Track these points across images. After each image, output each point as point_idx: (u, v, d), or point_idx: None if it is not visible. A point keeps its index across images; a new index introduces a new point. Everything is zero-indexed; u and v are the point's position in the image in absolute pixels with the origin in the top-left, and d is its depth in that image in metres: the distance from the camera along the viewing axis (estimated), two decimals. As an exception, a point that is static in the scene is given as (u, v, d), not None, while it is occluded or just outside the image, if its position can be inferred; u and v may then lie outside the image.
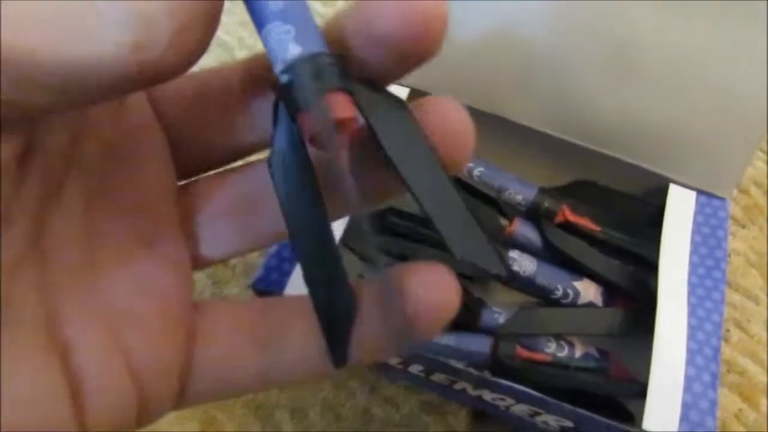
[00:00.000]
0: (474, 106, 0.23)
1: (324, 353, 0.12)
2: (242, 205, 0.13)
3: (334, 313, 0.11)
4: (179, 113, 0.13)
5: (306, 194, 0.11)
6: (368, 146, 0.11)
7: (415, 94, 0.23)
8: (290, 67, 0.10)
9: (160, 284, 0.12)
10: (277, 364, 0.12)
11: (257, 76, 0.13)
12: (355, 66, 0.11)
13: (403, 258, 0.22)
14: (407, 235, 0.23)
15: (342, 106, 0.10)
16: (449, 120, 0.11)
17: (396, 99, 0.11)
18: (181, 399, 0.12)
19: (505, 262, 0.11)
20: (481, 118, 0.23)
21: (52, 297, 0.11)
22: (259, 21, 0.10)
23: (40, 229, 0.11)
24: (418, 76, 0.23)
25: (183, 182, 0.13)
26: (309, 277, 0.11)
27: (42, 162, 0.11)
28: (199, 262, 0.13)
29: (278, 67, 0.10)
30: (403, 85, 0.23)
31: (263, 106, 0.13)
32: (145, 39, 0.09)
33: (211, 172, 0.14)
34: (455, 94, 0.23)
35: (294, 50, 0.10)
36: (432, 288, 0.11)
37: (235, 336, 0.12)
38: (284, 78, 0.10)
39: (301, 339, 0.12)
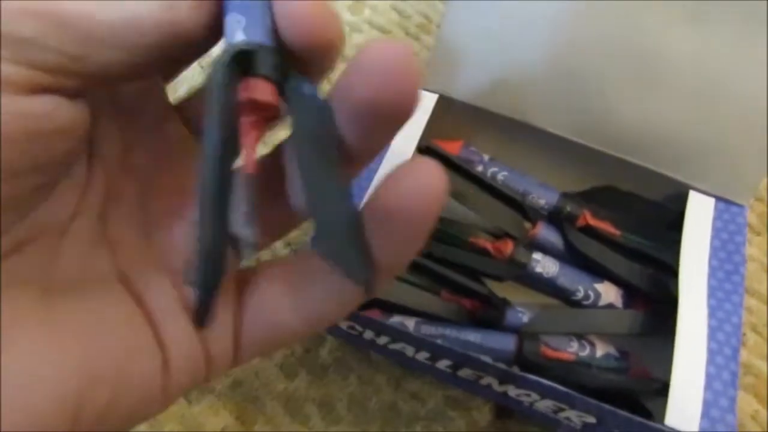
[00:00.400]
0: (500, 112, 0.24)
1: (348, 281, 0.12)
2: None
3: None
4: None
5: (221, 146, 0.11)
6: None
7: (443, 100, 0.24)
8: (228, 50, 0.11)
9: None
10: (313, 303, 0.14)
11: None
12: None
13: (429, 257, 0.23)
14: (435, 236, 0.23)
15: (258, 90, 0.11)
16: (391, 63, 0.11)
17: (321, 100, 0.12)
18: (238, 351, 0.14)
19: (369, 272, 0.11)
20: (507, 124, 0.24)
21: (125, 270, 0.13)
22: (224, 10, 0.12)
23: (105, 222, 0.13)
24: (446, 83, 0.24)
25: None
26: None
27: (102, 168, 0.13)
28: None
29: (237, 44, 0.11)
30: (430, 91, 0.24)
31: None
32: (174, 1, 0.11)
33: None
34: (483, 100, 0.24)
35: (239, 37, 0.11)
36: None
37: (274, 286, 0.14)
38: (223, 57, 0.11)
39: (328, 276, 0.13)
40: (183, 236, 0.14)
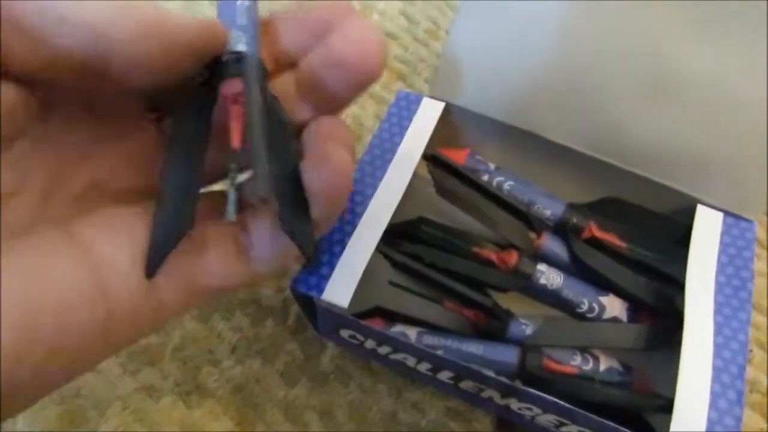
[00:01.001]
0: (508, 122, 0.24)
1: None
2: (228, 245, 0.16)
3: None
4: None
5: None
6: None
7: (450, 108, 0.24)
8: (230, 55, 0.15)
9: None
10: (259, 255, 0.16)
11: None
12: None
13: (433, 266, 0.23)
14: (439, 245, 0.23)
15: (235, 86, 0.14)
16: (357, 32, 0.15)
17: (271, 95, 0.15)
18: (190, 295, 0.15)
19: (313, 242, 0.15)
20: (514, 133, 0.24)
21: (69, 216, 0.14)
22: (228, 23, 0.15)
23: (47, 200, 0.14)
24: (454, 92, 0.24)
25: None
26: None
27: (48, 145, 0.14)
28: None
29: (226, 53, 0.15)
30: (437, 99, 0.24)
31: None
32: (114, 18, 0.12)
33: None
34: (492, 110, 0.24)
35: (240, 48, 0.15)
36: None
37: (225, 242, 0.16)
38: (227, 58, 0.15)
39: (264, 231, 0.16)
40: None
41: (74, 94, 0.14)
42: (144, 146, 0.16)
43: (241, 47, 0.15)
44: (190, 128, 0.15)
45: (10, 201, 0.13)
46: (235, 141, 0.14)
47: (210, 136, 0.15)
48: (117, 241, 0.14)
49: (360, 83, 0.16)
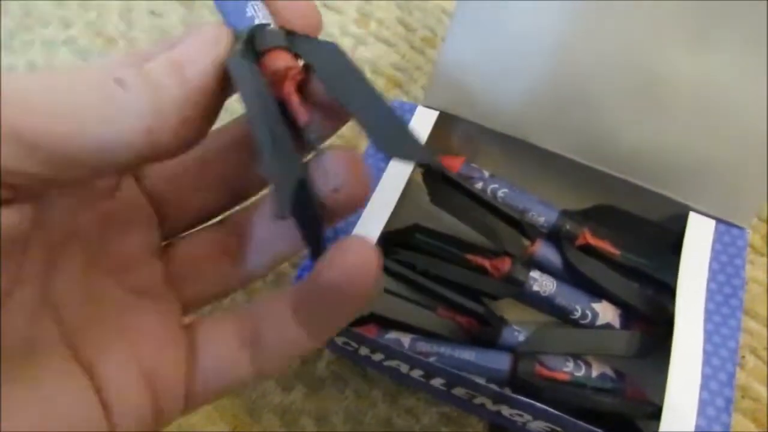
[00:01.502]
0: (501, 131, 0.24)
1: (299, 332, 0.14)
2: (217, 253, 0.16)
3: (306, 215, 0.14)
4: (161, 187, 0.16)
5: (268, 110, 0.13)
6: (314, 88, 0.14)
7: (444, 117, 0.24)
8: (253, 30, 0.13)
9: (152, 322, 0.15)
10: (263, 355, 0.15)
11: (226, 148, 0.16)
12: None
13: (426, 274, 0.23)
14: (433, 253, 0.24)
15: (277, 60, 0.13)
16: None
17: (329, 44, 0.14)
18: (191, 401, 0.15)
19: (430, 152, 0.14)
20: (508, 142, 0.24)
21: (71, 334, 0.14)
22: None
23: (47, 288, 0.13)
24: (449, 101, 0.24)
25: (169, 240, 0.16)
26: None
27: (45, 234, 0.13)
28: (189, 306, 0.16)
29: (243, 30, 0.13)
30: (433, 108, 0.24)
31: (235, 171, 0.16)
32: (156, 126, 0.11)
33: (193, 230, 0.17)
34: (485, 119, 0.24)
35: (255, 20, 0.13)
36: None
37: (225, 341, 0.15)
38: (247, 34, 0.13)
39: (277, 328, 0.15)
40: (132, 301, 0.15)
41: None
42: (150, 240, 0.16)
43: (268, 18, 0.14)
44: (257, 98, 0.13)
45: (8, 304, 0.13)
46: (303, 116, 0.14)
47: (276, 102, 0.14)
48: (122, 360, 0.14)
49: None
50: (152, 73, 0.12)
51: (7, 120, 0.10)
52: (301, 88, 0.14)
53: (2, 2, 0.32)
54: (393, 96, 0.30)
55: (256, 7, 0.14)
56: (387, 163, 0.22)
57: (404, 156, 0.13)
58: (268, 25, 0.14)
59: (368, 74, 0.31)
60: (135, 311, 0.15)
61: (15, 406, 0.12)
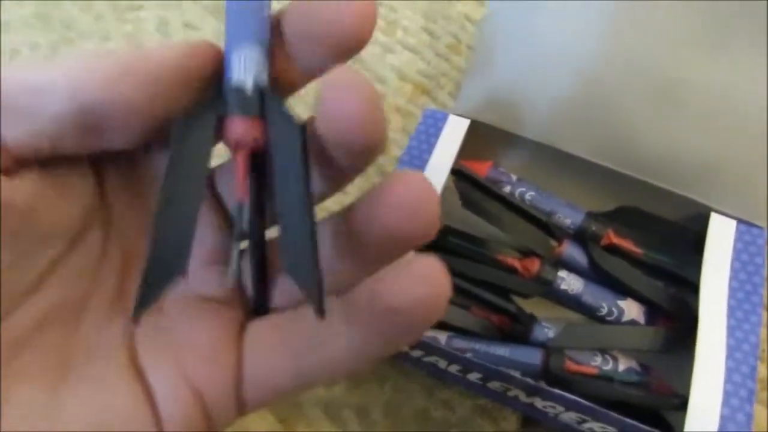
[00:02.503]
0: (529, 137, 0.25)
1: (354, 351, 0.13)
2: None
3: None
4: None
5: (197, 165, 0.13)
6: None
7: (476, 125, 0.25)
8: (248, 84, 0.13)
9: (210, 330, 0.15)
10: (313, 368, 0.14)
11: None
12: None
13: (460, 275, 0.24)
14: (465, 255, 0.25)
15: (234, 128, 0.13)
16: (412, 193, 0.13)
17: (298, 126, 0.13)
18: (241, 407, 0.15)
19: (321, 297, 0.12)
20: (535, 147, 0.25)
21: (132, 339, 0.14)
22: (239, 39, 0.13)
23: (121, 292, 0.14)
24: (478, 109, 0.25)
25: None
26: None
27: (118, 239, 0.14)
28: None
29: (238, 76, 0.13)
30: (464, 117, 0.25)
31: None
32: (81, 74, 0.12)
33: None
34: (513, 126, 0.25)
35: (260, 77, 0.13)
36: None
37: (273, 349, 0.14)
38: (245, 87, 0.13)
39: (332, 342, 0.14)
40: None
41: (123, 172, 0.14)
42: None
43: (262, 77, 0.13)
44: (189, 160, 0.13)
45: (81, 314, 0.14)
46: (239, 193, 0.13)
47: (208, 166, 0.13)
48: (171, 372, 0.14)
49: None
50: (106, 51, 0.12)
51: None
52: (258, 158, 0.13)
53: (45, 17, 0.34)
54: (421, 102, 0.31)
55: (244, 56, 0.13)
56: (423, 169, 0.24)
57: (294, 278, 0.12)
58: (247, 82, 0.13)
59: (396, 81, 0.32)
60: (195, 319, 0.15)
61: (76, 402, 0.13)
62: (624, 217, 0.26)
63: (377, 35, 0.33)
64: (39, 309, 0.13)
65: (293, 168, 0.13)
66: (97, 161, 0.14)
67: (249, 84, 0.13)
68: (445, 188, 0.24)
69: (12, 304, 0.13)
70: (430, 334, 0.23)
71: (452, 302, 0.24)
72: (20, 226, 0.12)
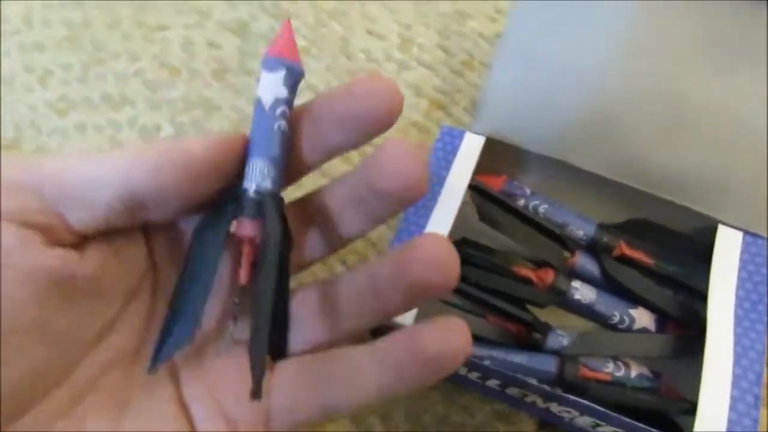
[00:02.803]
0: (543, 152, 0.26)
1: (384, 390, 0.16)
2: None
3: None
4: None
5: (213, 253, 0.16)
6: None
7: (491, 142, 0.26)
8: (256, 191, 0.16)
9: (241, 367, 0.17)
10: (340, 404, 0.16)
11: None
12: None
13: (477, 284, 0.25)
14: (481, 265, 0.26)
15: (242, 228, 0.16)
16: (435, 253, 0.15)
17: (274, 229, 0.16)
18: None
19: (260, 380, 0.15)
20: (549, 162, 0.26)
21: (176, 374, 0.17)
22: (255, 152, 0.16)
23: None
24: (494, 127, 0.26)
25: None
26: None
27: (164, 293, 0.17)
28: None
29: (250, 185, 0.16)
30: (478, 134, 0.27)
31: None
32: (133, 167, 0.14)
33: None
34: (528, 143, 0.26)
35: (263, 184, 0.16)
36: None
37: (298, 385, 0.17)
38: (251, 194, 0.16)
39: (361, 382, 0.16)
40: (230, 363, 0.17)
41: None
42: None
43: (266, 184, 0.16)
44: (207, 248, 0.16)
45: (135, 360, 0.16)
46: (243, 278, 0.16)
47: (221, 255, 0.16)
48: (209, 405, 0.16)
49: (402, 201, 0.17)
50: (149, 142, 0.15)
51: (14, 175, 0.13)
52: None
53: (75, 39, 0.35)
54: (436, 117, 0.32)
55: (254, 167, 0.16)
56: (442, 185, 0.25)
57: (249, 354, 0.15)
58: (256, 189, 0.16)
59: (412, 97, 0.33)
60: (230, 359, 0.17)
61: (134, 429, 0.15)
62: (634, 229, 0.27)
63: (393, 52, 0.35)
64: (103, 358, 0.15)
65: (271, 264, 0.15)
66: (145, 227, 0.17)
67: (253, 190, 0.16)
68: (463, 202, 0.25)
69: (81, 355, 0.15)
70: (450, 342, 0.25)
71: (469, 311, 0.25)
72: (86, 291, 0.14)
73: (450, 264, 0.15)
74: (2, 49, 0.35)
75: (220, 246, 0.16)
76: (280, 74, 0.16)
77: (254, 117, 0.16)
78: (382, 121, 0.16)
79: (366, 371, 0.16)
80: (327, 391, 0.16)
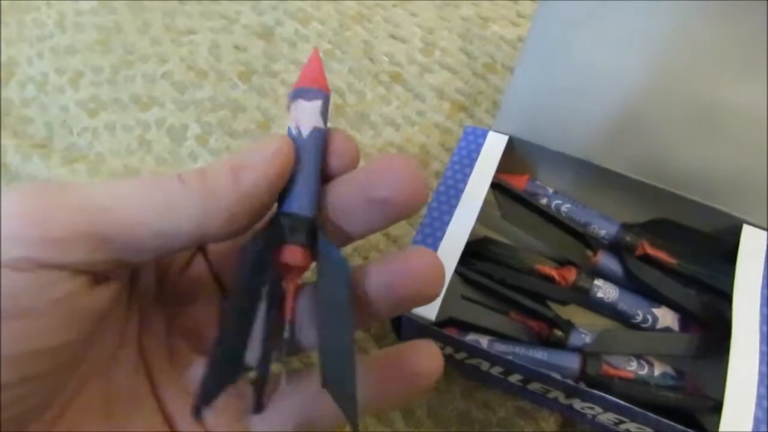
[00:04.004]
0: (567, 152, 0.26)
1: (364, 406, 0.15)
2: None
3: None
4: (224, 263, 0.19)
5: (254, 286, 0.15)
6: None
7: (513, 142, 0.27)
8: (285, 217, 0.15)
9: None
10: (324, 422, 0.17)
11: None
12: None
13: (501, 282, 0.26)
14: (504, 263, 0.26)
15: (290, 255, 0.15)
16: (423, 268, 0.16)
17: (342, 262, 0.15)
18: None
19: (354, 418, 0.14)
20: (572, 162, 0.27)
21: (157, 388, 0.17)
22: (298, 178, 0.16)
23: (142, 347, 0.17)
24: (517, 126, 0.27)
25: None
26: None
27: (140, 300, 0.17)
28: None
29: (294, 210, 0.15)
30: (502, 133, 0.27)
31: None
32: (206, 222, 0.14)
33: None
34: (551, 142, 0.26)
35: (294, 208, 0.15)
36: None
37: (286, 402, 0.17)
38: (283, 220, 0.15)
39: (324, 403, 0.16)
40: (200, 370, 0.17)
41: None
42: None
43: (309, 212, 0.15)
44: (249, 281, 0.15)
45: (114, 368, 0.16)
46: (287, 315, 0.16)
47: (266, 287, 0.15)
48: (185, 402, 0.17)
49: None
50: (210, 174, 0.14)
51: (83, 225, 0.13)
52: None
53: (106, 42, 0.36)
54: (459, 119, 0.33)
55: (299, 191, 0.15)
56: (465, 183, 0.25)
57: (333, 395, 0.14)
58: (305, 218, 0.15)
59: (435, 100, 0.34)
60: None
61: None
62: (658, 229, 0.27)
63: (416, 55, 0.35)
64: (82, 372, 0.15)
65: (341, 302, 0.15)
66: None
67: (305, 217, 0.15)
68: (486, 201, 0.26)
69: (71, 374, 0.15)
70: (473, 337, 0.25)
71: (493, 308, 0.25)
72: (101, 319, 0.15)
73: (437, 278, 0.16)
74: (35, 53, 0.36)
75: (266, 275, 0.15)
76: (317, 103, 0.16)
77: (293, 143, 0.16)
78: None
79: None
80: (312, 404, 0.17)
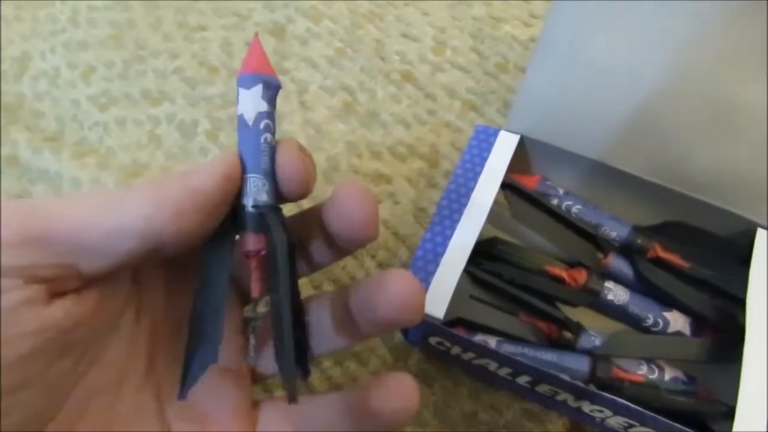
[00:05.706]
0: (579, 153, 0.26)
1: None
2: None
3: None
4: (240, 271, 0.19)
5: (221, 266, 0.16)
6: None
7: (525, 141, 0.26)
8: (255, 206, 0.17)
9: (229, 400, 0.18)
10: None
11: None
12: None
13: (512, 283, 0.25)
14: (513, 263, 0.26)
15: (248, 243, 0.16)
16: (404, 293, 0.17)
17: (281, 237, 0.17)
18: None
19: (294, 389, 0.16)
20: (584, 162, 0.26)
21: (164, 407, 0.17)
22: (248, 168, 0.17)
23: (153, 363, 0.17)
24: (529, 126, 0.26)
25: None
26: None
27: (148, 315, 0.17)
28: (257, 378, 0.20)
29: (248, 201, 0.16)
30: (514, 132, 0.27)
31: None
32: (153, 213, 0.14)
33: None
34: (563, 142, 0.26)
35: (260, 198, 0.17)
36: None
37: (283, 425, 0.18)
38: (250, 209, 0.16)
39: (323, 420, 0.18)
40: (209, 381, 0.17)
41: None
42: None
43: (262, 198, 0.17)
44: (216, 269, 0.16)
45: (121, 387, 0.16)
46: (255, 292, 0.17)
47: (230, 270, 0.17)
48: (191, 417, 0.17)
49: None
50: (158, 178, 0.15)
51: (33, 229, 0.13)
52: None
53: (118, 38, 0.36)
54: (470, 118, 0.33)
55: (250, 183, 0.16)
56: (475, 182, 0.25)
57: (281, 371, 0.16)
58: (255, 204, 0.16)
59: (446, 99, 0.33)
60: (216, 390, 0.18)
61: None
62: (670, 232, 0.26)
63: (428, 54, 0.35)
64: (89, 388, 0.15)
65: (283, 273, 0.16)
66: None
67: (251, 204, 0.16)
68: (496, 201, 0.25)
69: (71, 389, 0.15)
70: (481, 337, 0.25)
71: (502, 309, 0.25)
72: (82, 335, 0.15)
73: (416, 302, 0.17)
74: (48, 47, 0.36)
75: (227, 264, 0.16)
76: (258, 89, 0.17)
77: (239, 134, 0.17)
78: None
79: (335, 416, 0.18)
80: (301, 427, 0.18)
